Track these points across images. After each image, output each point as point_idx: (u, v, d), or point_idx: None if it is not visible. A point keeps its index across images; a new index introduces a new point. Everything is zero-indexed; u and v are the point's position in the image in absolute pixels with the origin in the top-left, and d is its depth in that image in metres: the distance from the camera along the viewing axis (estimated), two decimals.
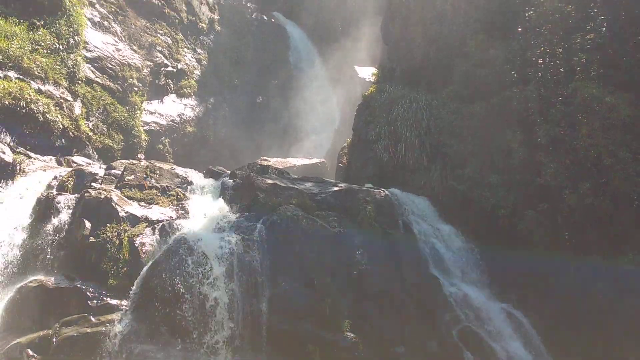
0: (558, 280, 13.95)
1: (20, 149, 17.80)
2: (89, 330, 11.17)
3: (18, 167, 16.64)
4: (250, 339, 11.90)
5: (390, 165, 18.43)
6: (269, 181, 15.46)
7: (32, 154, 17.83)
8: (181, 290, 11.81)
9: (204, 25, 30.89)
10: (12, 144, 17.66)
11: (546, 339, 13.23)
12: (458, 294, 13.80)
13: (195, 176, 16.27)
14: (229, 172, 17.21)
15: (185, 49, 29.04)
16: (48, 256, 12.94)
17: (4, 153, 16.79)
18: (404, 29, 22.74)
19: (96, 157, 20.72)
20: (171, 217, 13.78)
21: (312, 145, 28.66)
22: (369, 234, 14.47)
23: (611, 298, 13.13)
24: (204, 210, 14.32)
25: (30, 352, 10.86)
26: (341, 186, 16.30)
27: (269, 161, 21.68)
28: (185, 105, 27.21)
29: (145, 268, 12.22)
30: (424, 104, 18.68)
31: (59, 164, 18.10)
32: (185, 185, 15.47)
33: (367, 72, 27.55)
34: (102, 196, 13.50)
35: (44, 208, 13.87)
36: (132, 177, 14.79)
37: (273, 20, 34.36)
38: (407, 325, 12.84)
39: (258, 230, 13.56)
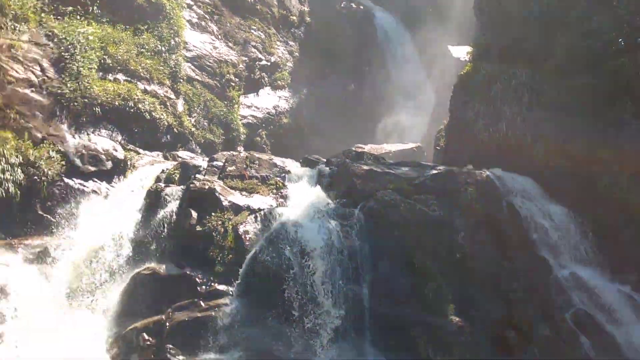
0: None
1: (130, 146, 18.96)
2: (199, 314, 11.66)
3: (129, 163, 17.78)
4: (352, 324, 11.90)
5: (491, 146, 17.66)
6: (365, 167, 15.37)
7: (140, 151, 18.94)
8: (284, 276, 12.04)
9: (294, 18, 31.22)
10: (122, 142, 18.84)
11: None
12: (570, 276, 13.04)
13: (292, 165, 16.48)
14: (325, 160, 17.30)
15: (278, 42, 29.52)
16: (159, 245, 13.69)
17: (116, 150, 17.99)
18: (499, 4, 21.66)
19: (199, 152, 21.63)
20: (271, 205, 14.07)
21: (407, 130, 28.16)
22: (471, 217, 13.99)
23: None
24: (302, 198, 14.48)
25: (146, 337, 11.51)
26: (440, 169, 15.89)
27: (364, 148, 21.57)
28: (280, 97, 27.70)
29: (249, 255, 12.58)
30: (524, 80, 17.71)
31: (166, 158, 19.10)
32: (283, 174, 15.71)
33: (461, 52, 26.57)
34: (206, 187, 14.04)
35: (154, 200, 14.69)
36: (233, 167, 15.26)
37: (362, 7, 34.06)
38: (515, 309, 12.30)
39: (356, 216, 13.54)
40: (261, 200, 14.17)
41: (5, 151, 15.81)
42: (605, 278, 13.63)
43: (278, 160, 16.42)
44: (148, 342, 11.48)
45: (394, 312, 11.92)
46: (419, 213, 13.67)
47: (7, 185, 15.49)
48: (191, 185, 14.21)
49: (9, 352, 11.50)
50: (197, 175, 15.04)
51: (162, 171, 16.11)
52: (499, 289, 12.86)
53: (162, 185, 15.13)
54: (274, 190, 14.71)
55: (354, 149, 20.86)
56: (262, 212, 13.64)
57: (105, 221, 15.07)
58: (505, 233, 13.78)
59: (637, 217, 13.60)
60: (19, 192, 15.68)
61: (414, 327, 11.60)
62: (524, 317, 12.21)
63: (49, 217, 15.99)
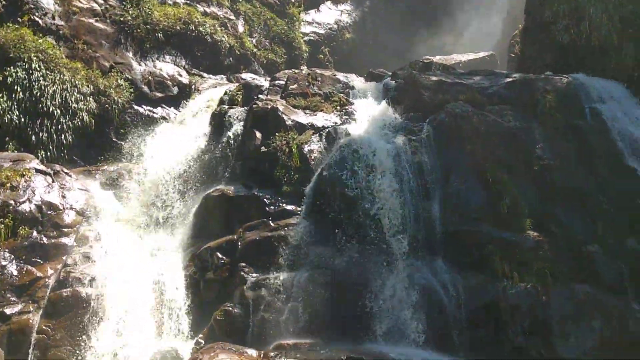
0: None
1: (194, 71, 18.93)
2: (268, 234, 11.70)
3: (193, 87, 17.77)
4: (424, 242, 11.59)
5: (572, 49, 16.20)
6: (434, 78, 14.53)
7: (204, 74, 18.91)
8: (351, 194, 11.79)
9: None
10: (186, 66, 18.82)
11: None
12: None
13: (357, 80, 15.86)
14: (390, 73, 16.52)
15: None
16: (226, 167, 13.75)
17: (181, 76, 17.99)
18: None
19: (262, 73, 21.31)
20: (336, 122, 13.67)
21: (479, 38, 26.48)
22: (551, 127, 13.04)
23: None
24: (368, 113, 13.96)
25: (220, 255, 11.73)
26: (515, 76, 14.80)
27: (432, 59, 20.46)
28: (342, 11, 26.60)
29: (315, 174, 12.38)
30: None
31: (229, 81, 18.94)
32: (347, 90, 15.17)
33: None
34: (269, 106, 13.76)
35: (218, 122, 14.68)
36: (295, 85, 14.84)
37: None
38: (600, 223, 11.54)
39: (425, 131, 12.93)
40: (325, 118, 13.77)
41: (77, 81, 16.15)
42: None
43: (341, 76, 15.83)
44: (222, 261, 11.71)
45: (467, 229, 11.47)
46: (493, 124, 12.87)
47: (81, 114, 15.94)
48: (254, 105, 13.97)
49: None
50: (260, 96, 14.78)
51: (225, 93, 15.95)
52: (582, 203, 12.08)
53: (226, 107, 15.01)
54: (338, 107, 14.24)
55: (421, 60, 19.84)
56: (326, 130, 13.30)
57: (175, 146, 15.27)
58: (589, 143, 12.77)
59: None
60: (92, 120, 16.12)
61: (488, 244, 11.11)
62: (611, 230, 11.45)
63: (122, 143, 16.44)
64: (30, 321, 10.37)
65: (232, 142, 14.14)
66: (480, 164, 12.19)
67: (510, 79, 14.43)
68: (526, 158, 12.41)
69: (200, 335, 10.67)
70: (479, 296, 10.62)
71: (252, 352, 8.73)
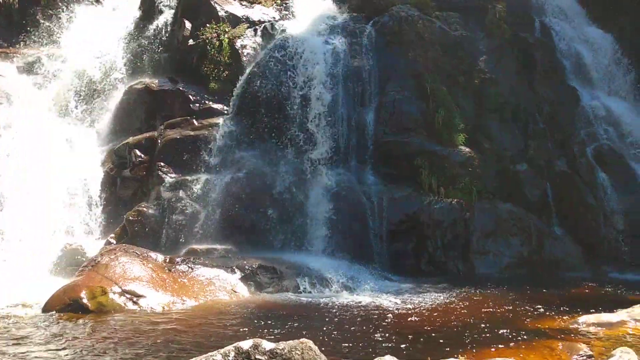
0: None
1: None
2: (191, 133, 11.01)
3: None
4: (355, 150, 11.18)
5: None
6: None
7: None
8: (283, 95, 11.12)
9: None
10: None
11: None
12: (599, 107, 11.81)
13: None
14: None
15: None
16: (153, 58, 12.70)
17: None
18: None
19: None
20: (274, 17, 12.66)
21: None
22: (497, 38, 12.48)
23: None
24: (310, 10, 12.95)
25: (138, 152, 11.04)
26: None
27: None
28: None
29: (246, 72, 11.56)
30: None
31: None
32: None
33: None
34: None
35: (148, 8, 13.41)
36: None
37: None
38: (533, 142, 11.34)
39: (367, 33, 12.15)
40: (262, 12, 12.72)
41: None
42: (639, 112, 12.37)
43: None
44: (140, 158, 11.04)
45: (399, 140, 11.07)
46: (439, 32, 12.20)
47: None
48: None
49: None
50: None
51: None
52: (519, 121, 11.82)
53: None
54: (278, 1, 13.15)
55: None
56: (262, 25, 12.32)
57: (100, 30, 13.98)
58: (534, 58, 12.30)
59: None
60: None
61: (419, 157, 10.77)
62: (541, 151, 11.27)
63: (48, 25, 14.98)
64: None
65: (162, 31, 13.00)
66: (420, 73, 11.61)
67: None
68: (468, 70, 11.91)
69: (112, 236, 10.17)
70: (403, 209, 10.40)
71: (158, 256, 8.28)
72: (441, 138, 10.98)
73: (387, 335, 5.93)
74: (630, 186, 10.92)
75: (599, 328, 6.17)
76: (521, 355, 5.32)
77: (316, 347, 3.84)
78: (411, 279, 9.35)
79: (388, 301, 7.71)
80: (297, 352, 3.73)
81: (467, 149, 11.00)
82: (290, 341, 3.82)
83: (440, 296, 8.11)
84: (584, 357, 4.98)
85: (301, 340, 3.84)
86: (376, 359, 4.04)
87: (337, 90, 11.29)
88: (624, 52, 12.69)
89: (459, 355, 4.09)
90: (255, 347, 3.71)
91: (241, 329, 5.99)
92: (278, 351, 3.70)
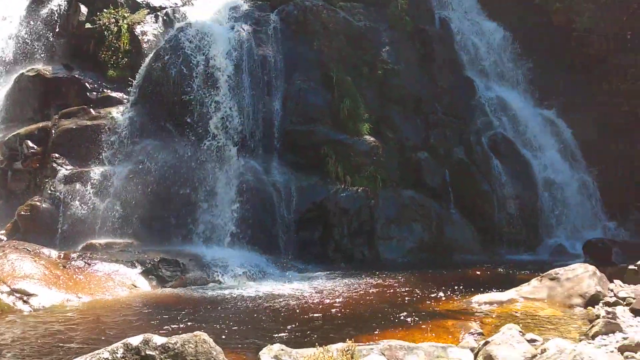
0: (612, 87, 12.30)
1: None
2: (88, 122, 10.49)
3: None
4: (261, 139, 11.10)
5: None
6: None
7: None
8: (186, 83, 10.81)
9: None
10: None
11: (585, 148, 12.09)
12: (494, 98, 12.44)
13: None
14: None
15: None
16: (46, 43, 11.95)
17: None
18: None
19: None
20: (176, 3, 12.30)
21: None
22: (399, 31, 12.80)
23: None
24: None
25: (30, 144, 10.38)
26: None
27: None
28: None
29: (147, 59, 11.14)
30: None
31: None
32: None
33: None
34: None
35: None
36: None
37: None
38: (433, 131, 11.79)
39: (272, 22, 12.08)
40: None
41: None
42: (530, 102, 13.15)
43: None
44: (33, 150, 10.39)
45: (305, 129, 11.12)
46: (343, 22, 12.34)
47: None
48: None
49: None
50: None
51: None
52: (420, 111, 12.22)
53: None
54: None
55: None
56: (164, 11, 11.93)
57: None
58: (434, 50, 12.74)
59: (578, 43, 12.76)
60: None
61: (325, 145, 10.88)
62: (441, 140, 11.73)
63: None
64: None
65: (55, 16, 12.24)
66: (326, 63, 11.71)
67: None
68: (371, 61, 12.13)
69: (2, 232, 9.54)
70: (310, 198, 10.48)
71: (52, 252, 7.84)
72: (347, 128, 11.15)
73: (286, 323, 5.95)
74: (522, 172, 11.60)
75: (491, 307, 6.53)
76: (418, 335, 5.52)
77: (211, 340, 3.77)
78: (318, 267, 9.47)
79: (293, 290, 7.74)
80: (191, 345, 3.65)
81: (372, 139, 11.24)
82: (183, 335, 3.73)
83: (346, 282, 8.26)
84: (475, 335, 5.23)
85: (195, 333, 3.76)
86: (266, 347, 4.04)
87: (242, 79, 11.15)
88: (516, 44, 13.40)
89: (354, 339, 4.16)
90: (146, 342, 3.59)
91: (137, 325, 5.79)
92: (170, 345, 3.60)
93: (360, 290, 7.72)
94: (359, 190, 10.63)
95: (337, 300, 7.12)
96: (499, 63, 13.24)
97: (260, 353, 4.05)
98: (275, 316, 6.36)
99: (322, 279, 8.54)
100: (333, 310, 6.62)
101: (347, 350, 3.93)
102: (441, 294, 7.44)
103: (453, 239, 10.80)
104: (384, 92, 11.95)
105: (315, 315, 6.39)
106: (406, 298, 7.28)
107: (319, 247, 10.25)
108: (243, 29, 11.65)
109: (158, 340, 3.63)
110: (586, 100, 12.30)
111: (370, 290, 7.74)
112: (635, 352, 4.23)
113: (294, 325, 5.87)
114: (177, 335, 3.72)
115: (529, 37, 13.24)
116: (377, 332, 5.63)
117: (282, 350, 4.02)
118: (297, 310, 6.62)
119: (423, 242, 10.65)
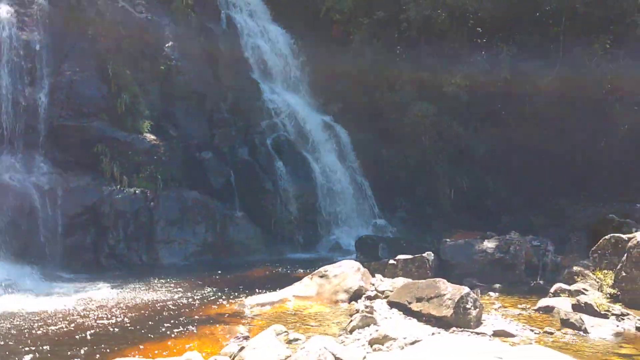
0: (383, 96, 13.36)
1: None
2: None
3: None
4: (24, 134, 9.83)
5: None
6: None
7: None
8: None
9: None
10: None
11: (360, 152, 12.95)
12: (279, 101, 12.71)
13: None
14: None
15: None
16: None
17: None
18: None
19: None
20: None
21: None
22: (184, 26, 12.39)
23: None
24: None
25: None
26: None
27: None
28: None
29: None
30: None
31: None
32: None
33: None
34: None
35: None
36: None
37: None
38: (218, 131, 11.63)
39: (38, 4, 10.78)
40: None
41: None
42: (313, 107, 13.68)
43: None
44: None
45: (77, 124, 10.12)
46: (122, 12, 11.53)
47: None
48: None
49: None
50: None
51: None
52: (204, 109, 11.98)
53: None
54: None
55: None
56: None
57: None
58: (220, 49, 12.60)
59: (353, 51, 13.55)
60: None
61: (100, 142, 10.05)
62: (226, 139, 11.62)
63: None
64: None
65: None
66: (102, 55, 10.82)
67: None
68: (154, 55, 11.56)
69: None
70: (80, 200, 9.58)
71: None
72: (125, 124, 10.44)
73: (36, 341, 5.25)
74: (302, 173, 12.00)
75: (263, 308, 6.52)
76: (184, 344, 5.26)
77: None
78: (87, 275, 8.69)
79: (52, 303, 6.92)
80: None
81: (153, 137, 10.68)
82: None
83: (115, 292, 7.65)
84: (241, 339, 5.13)
85: None
86: None
87: (1, 68, 9.77)
88: (300, 49, 13.87)
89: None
90: None
91: None
92: None
93: (132, 301, 7.18)
94: (138, 191, 10.03)
95: (100, 311, 6.52)
96: (285, 67, 13.56)
97: None
98: (23, 334, 5.57)
99: (87, 290, 7.79)
100: (92, 324, 6.03)
101: None
102: (218, 298, 7.26)
103: (238, 240, 10.73)
104: (167, 88, 11.46)
105: (71, 330, 5.75)
106: (181, 305, 6.96)
107: (90, 254, 9.42)
108: (3, 9, 10.21)
109: None
110: (361, 109, 13.16)
111: (144, 299, 7.26)
112: (382, 344, 4.49)
113: (43, 342, 5.19)
114: None
115: (312, 42, 13.77)
116: (141, 346, 5.24)
117: None
118: (53, 326, 5.91)
119: (207, 244, 10.41)
